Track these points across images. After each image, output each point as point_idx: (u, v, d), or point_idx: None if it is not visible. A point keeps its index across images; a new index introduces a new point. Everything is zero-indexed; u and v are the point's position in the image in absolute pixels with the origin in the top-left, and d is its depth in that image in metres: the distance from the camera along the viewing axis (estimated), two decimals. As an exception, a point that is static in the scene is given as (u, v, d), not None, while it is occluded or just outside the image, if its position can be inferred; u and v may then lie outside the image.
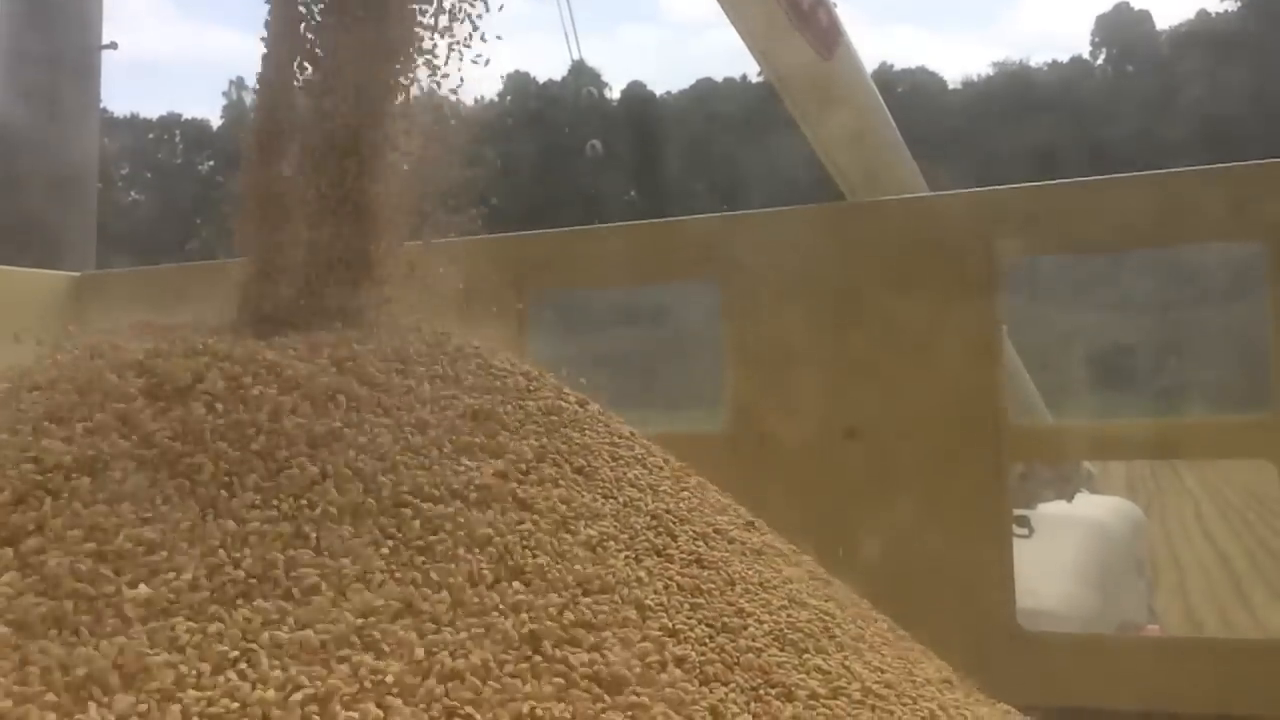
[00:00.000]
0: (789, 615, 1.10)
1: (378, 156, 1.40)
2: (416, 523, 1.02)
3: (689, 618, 1.02)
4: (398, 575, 0.96)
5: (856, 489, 2.25)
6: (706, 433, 2.48)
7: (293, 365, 1.16)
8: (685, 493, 1.29)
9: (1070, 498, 4.25)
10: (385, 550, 0.98)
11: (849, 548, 1.75)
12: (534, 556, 1.03)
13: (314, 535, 0.98)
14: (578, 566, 1.03)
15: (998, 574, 2.13)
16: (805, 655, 1.04)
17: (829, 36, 2.42)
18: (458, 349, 1.33)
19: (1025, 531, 3.38)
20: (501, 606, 0.95)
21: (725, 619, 1.04)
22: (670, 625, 0.99)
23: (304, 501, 1.01)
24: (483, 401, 1.23)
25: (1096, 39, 33.62)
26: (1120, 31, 32.52)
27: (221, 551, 0.94)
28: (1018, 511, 2.93)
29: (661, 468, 1.32)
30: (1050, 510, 3.90)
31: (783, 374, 2.38)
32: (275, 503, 1.00)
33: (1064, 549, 3.63)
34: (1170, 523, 11.30)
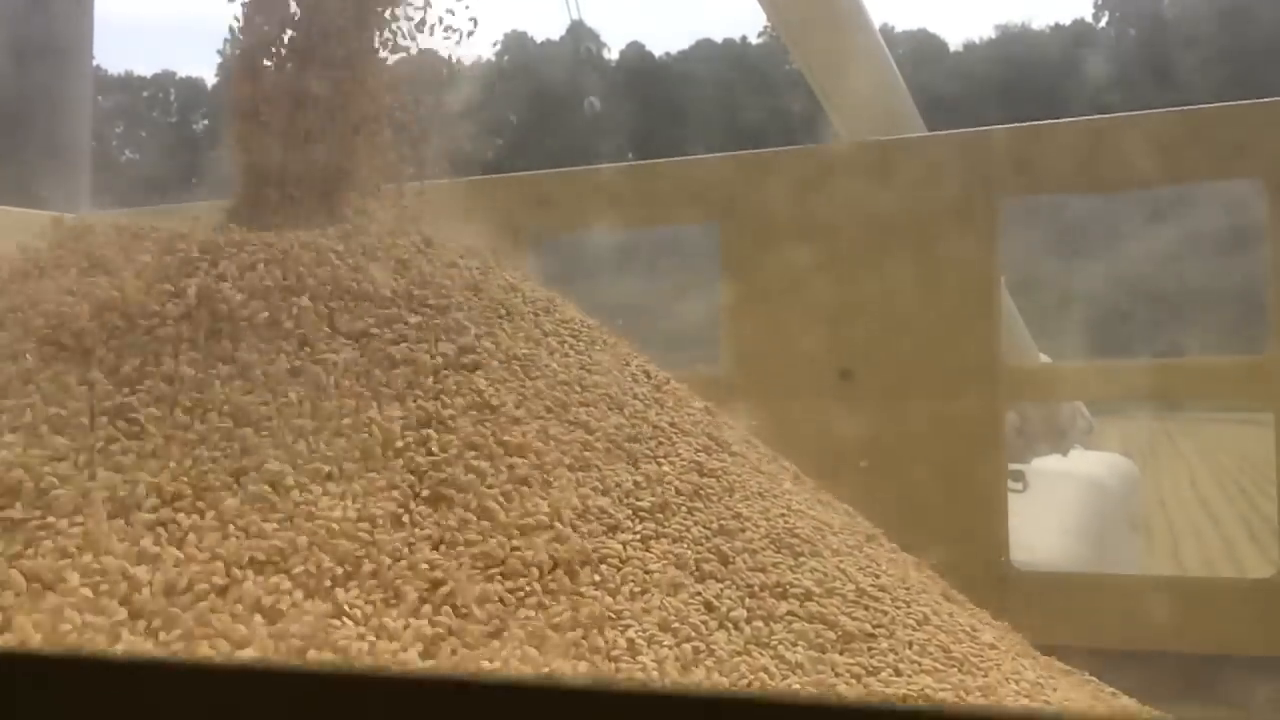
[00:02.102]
0: (786, 522, 1.11)
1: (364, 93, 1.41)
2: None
3: (685, 520, 1.03)
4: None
5: (851, 429, 2.26)
6: (704, 375, 2.48)
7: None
8: (688, 410, 1.30)
9: (1065, 452, 4.26)
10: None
11: (842, 487, 1.76)
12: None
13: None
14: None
15: (992, 511, 2.15)
16: (801, 558, 1.05)
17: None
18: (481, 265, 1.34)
19: (1020, 486, 3.39)
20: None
21: (723, 522, 1.05)
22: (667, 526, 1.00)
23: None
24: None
25: (1099, 2, 33.35)
26: (1123, -5, 32.23)
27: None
28: (1012, 466, 2.94)
29: (668, 385, 1.34)
30: (1045, 465, 3.91)
31: (780, 315, 2.39)
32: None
33: (1059, 504, 3.64)
34: (1165, 489, 11.35)
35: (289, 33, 1.40)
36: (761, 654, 0.89)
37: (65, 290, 1.06)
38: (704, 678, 0.85)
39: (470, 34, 1.50)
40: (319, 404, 0.98)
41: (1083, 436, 4.59)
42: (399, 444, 0.98)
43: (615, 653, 0.85)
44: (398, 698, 0.30)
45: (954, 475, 2.18)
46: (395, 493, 0.94)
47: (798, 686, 0.87)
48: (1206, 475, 12.61)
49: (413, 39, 1.46)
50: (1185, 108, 2.23)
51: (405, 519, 0.92)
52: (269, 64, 1.37)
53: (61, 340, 1.00)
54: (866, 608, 1.02)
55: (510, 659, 0.80)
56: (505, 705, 0.30)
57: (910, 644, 1.00)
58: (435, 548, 0.90)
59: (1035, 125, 2.33)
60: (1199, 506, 11.03)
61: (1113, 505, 4.34)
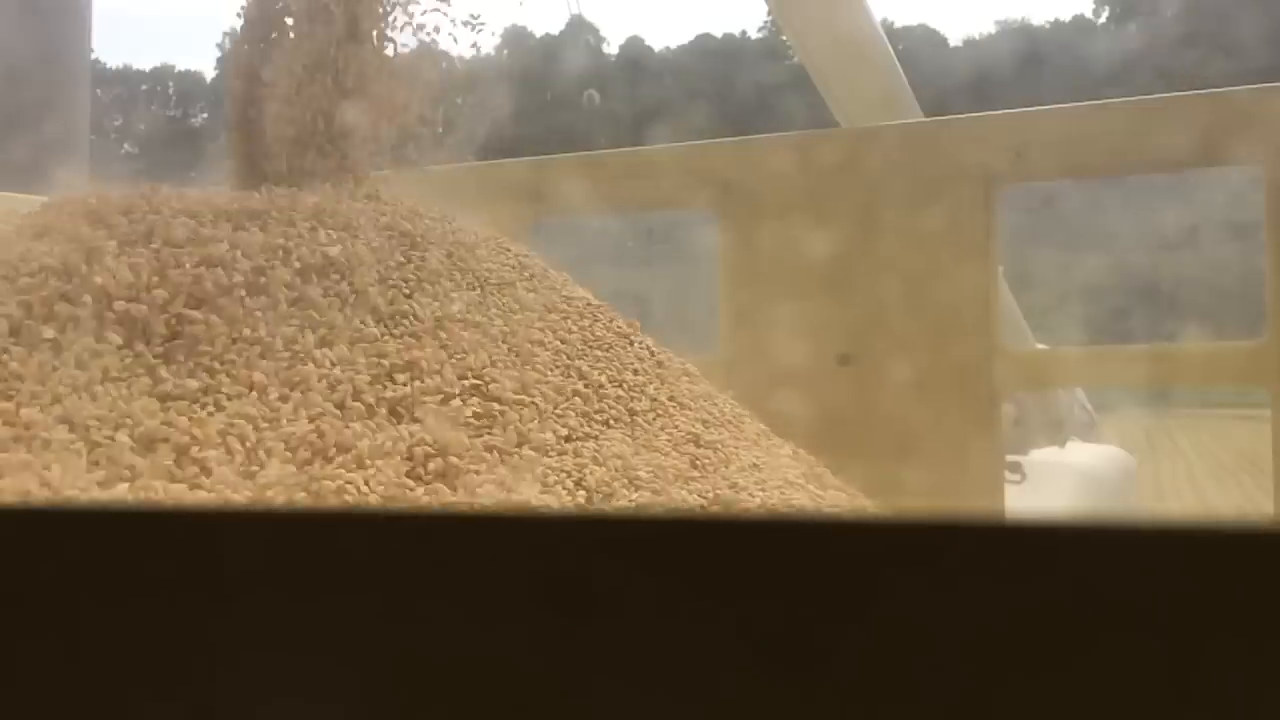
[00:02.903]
0: (783, 494, 1.12)
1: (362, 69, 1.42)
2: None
3: (682, 488, 1.04)
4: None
5: (850, 414, 2.26)
6: (703, 360, 2.49)
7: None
8: (688, 386, 1.31)
9: (1063, 444, 4.26)
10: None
11: (841, 469, 1.76)
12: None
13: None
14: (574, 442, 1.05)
15: (989, 502, 2.16)
16: (798, 528, 1.06)
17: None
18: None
19: (1017, 477, 3.38)
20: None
21: (718, 491, 1.05)
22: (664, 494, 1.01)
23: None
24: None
25: (1099, -2, 33.29)
26: (1124, -9, 32.18)
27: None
28: (1010, 457, 2.93)
29: (669, 362, 1.35)
30: (1042, 457, 3.91)
31: (778, 300, 2.39)
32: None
33: (1057, 496, 3.64)
34: (1162, 482, 11.36)
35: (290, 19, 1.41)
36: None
37: None
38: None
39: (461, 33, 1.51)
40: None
41: (1084, 430, 4.58)
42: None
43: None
44: (382, 535, 0.30)
45: (952, 464, 2.19)
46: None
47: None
48: (1203, 469, 12.61)
49: (415, 31, 1.46)
50: (1185, 93, 2.23)
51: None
52: (275, 35, 1.38)
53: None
54: (863, 576, 1.02)
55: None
56: (490, 537, 0.30)
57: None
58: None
59: (1030, 111, 2.33)
60: (1196, 500, 11.03)
61: (1110, 498, 4.34)
